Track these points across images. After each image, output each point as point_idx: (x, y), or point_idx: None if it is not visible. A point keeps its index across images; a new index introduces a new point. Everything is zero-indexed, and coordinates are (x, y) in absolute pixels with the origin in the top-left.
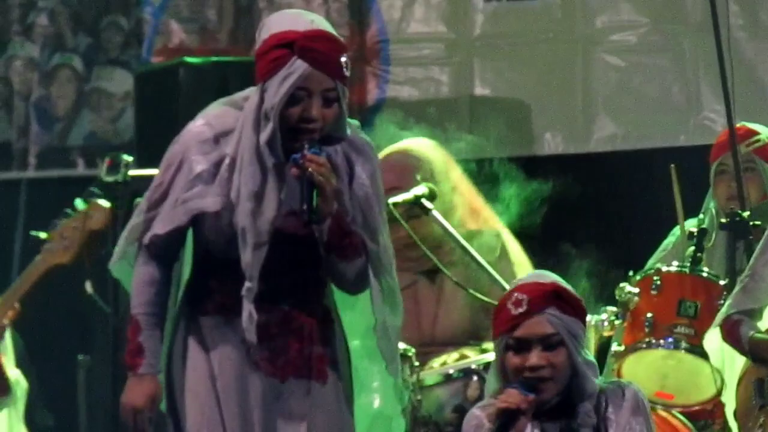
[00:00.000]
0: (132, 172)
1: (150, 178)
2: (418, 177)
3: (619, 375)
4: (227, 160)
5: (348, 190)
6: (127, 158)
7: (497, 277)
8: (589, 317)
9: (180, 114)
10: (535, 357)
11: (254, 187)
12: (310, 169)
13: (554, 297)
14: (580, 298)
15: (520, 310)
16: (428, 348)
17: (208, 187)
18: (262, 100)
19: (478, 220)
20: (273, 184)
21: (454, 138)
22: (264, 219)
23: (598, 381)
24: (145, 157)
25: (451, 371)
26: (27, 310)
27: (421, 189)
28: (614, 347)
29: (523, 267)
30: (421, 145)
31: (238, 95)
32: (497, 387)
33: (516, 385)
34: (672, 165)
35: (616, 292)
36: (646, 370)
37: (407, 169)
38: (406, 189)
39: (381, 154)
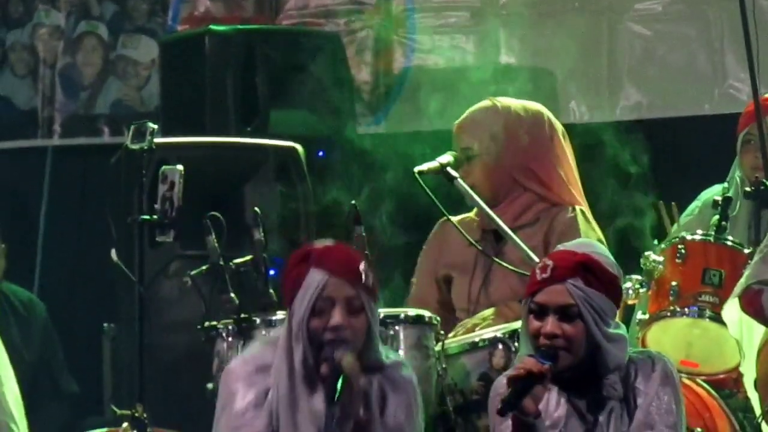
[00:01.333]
0: (157, 140)
1: (175, 145)
2: (483, 142)
3: (643, 343)
4: (271, 392)
5: (378, 419)
6: (153, 126)
7: (525, 248)
8: None
9: (205, 82)
10: (550, 325)
11: (290, 417)
12: (340, 359)
13: (581, 268)
14: (616, 274)
15: (544, 275)
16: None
17: (258, 412)
18: (290, 327)
19: (553, 193)
20: (307, 411)
21: None
22: None
23: (628, 351)
24: (171, 124)
25: (476, 339)
26: (52, 279)
27: (446, 157)
28: (639, 315)
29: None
30: (507, 104)
31: (276, 333)
32: (525, 352)
33: (535, 354)
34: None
35: (642, 260)
36: (671, 338)
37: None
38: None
39: (475, 105)
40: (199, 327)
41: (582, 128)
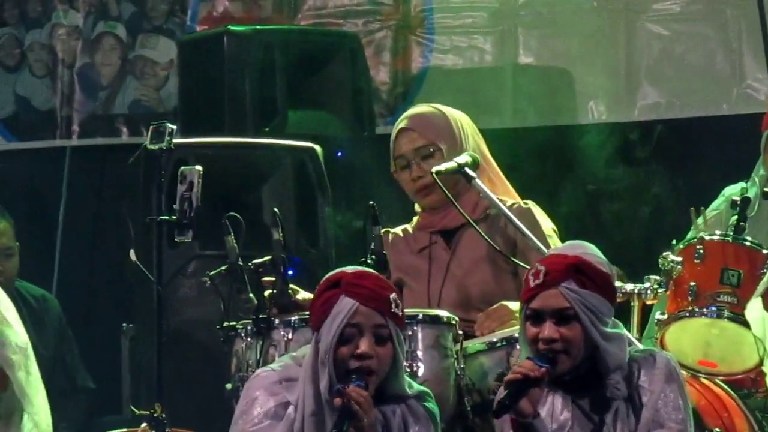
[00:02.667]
0: (176, 140)
1: (194, 146)
2: (443, 140)
3: (662, 343)
4: (291, 408)
5: None
6: (171, 126)
7: (540, 245)
8: (632, 285)
9: (224, 82)
10: (547, 330)
11: None
12: (349, 395)
13: (574, 270)
14: (608, 272)
15: (537, 281)
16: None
17: (275, 423)
18: (317, 351)
19: (507, 193)
20: None
21: (496, 106)
22: None
23: (630, 350)
24: (189, 125)
25: (494, 339)
26: (71, 279)
27: (464, 158)
28: (658, 315)
29: (553, 239)
30: (452, 110)
31: (299, 352)
32: (524, 356)
33: (533, 357)
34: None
35: (660, 260)
36: (689, 338)
37: (436, 127)
38: (433, 146)
39: (411, 111)
40: (217, 327)
41: (600, 128)
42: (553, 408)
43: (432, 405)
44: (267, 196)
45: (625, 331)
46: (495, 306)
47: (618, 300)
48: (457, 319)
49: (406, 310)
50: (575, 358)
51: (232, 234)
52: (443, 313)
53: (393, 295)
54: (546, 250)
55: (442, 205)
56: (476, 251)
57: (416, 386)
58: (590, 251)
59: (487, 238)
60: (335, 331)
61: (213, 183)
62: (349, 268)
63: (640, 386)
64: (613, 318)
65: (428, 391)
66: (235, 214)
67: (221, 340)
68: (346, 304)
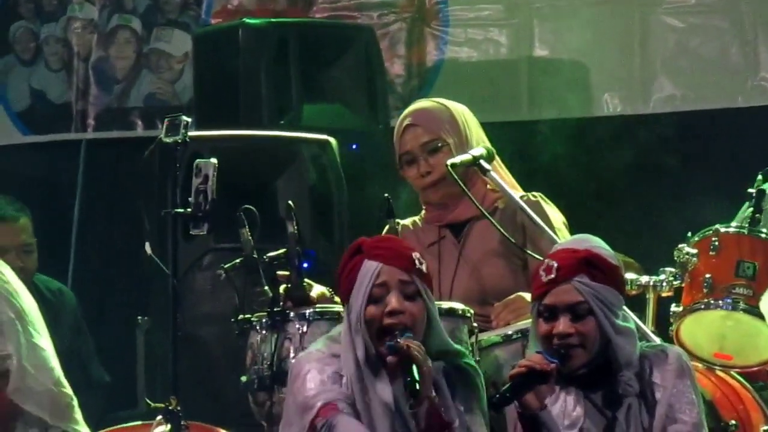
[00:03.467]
0: (191, 133)
1: (209, 139)
2: (449, 134)
3: (677, 335)
4: (344, 379)
5: (452, 405)
6: (187, 119)
7: (555, 237)
8: (647, 278)
9: (239, 75)
10: (562, 325)
11: (363, 408)
12: (407, 345)
13: (585, 264)
14: (617, 264)
15: (550, 276)
16: None
17: (336, 386)
18: (349, 321)
19: (513, 186)
20: (377, 403)
21: (511, 99)
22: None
23: (641, 345)
24: (205, 118)
25: (510, 332)
26: (86, 272)
27: (479, 150)
28: (673, 308)
29: (563, 231)
30: (454, 103)
31: (336, 330)
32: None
33: (542, 352)
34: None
35: (675, 253)
36: (705, 330)
37: (441, 122)
38: (440, 141)
39: (413, 106)
40: (232, 320)
41: (615, 120)
42: (566, 404)
43: (472, 361)
44: (282, 189)
45: (634, 325)
46: (512, 297)
47: (633, 292)
48: (472, 311)
49: None
50: (590, 352)
51: (247, 227)
52: (459, 305)
53: (416, 253)
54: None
55: (450, 200)
56: (486, 244)
57: (454, 344)
58: (598, 243)
59: (501, 229)
60: (364, 293)
61: (228, 176)
62: (369, 238)
63: (652, 382)
64: (623, 309)
65: (464, 350)
66: (250, 207)
67: (236, 333)
68: (370, 267)
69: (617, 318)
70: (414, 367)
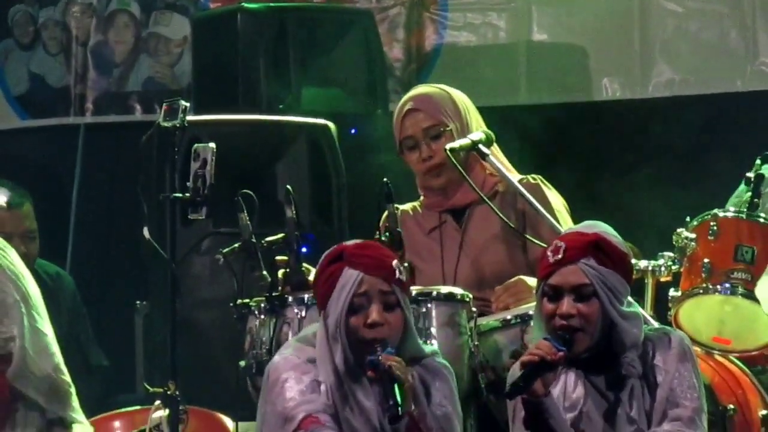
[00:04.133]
0: (190, 118)
1: (208, 123)
2: (450, 119)
3: (676, 320)
4: (323, 386)
5: (428, 411)
6: (185, 103)
7: (555, 223)
8: (646, 262)
9: (237, 59)
10: (566, 305)
11: (344, 416)
12: (388, 364)
13: (593, 247)
14: (625, 251)
15: (557, 257)
16: None
17: (316, 396)
18: (326, 327)
19: (510, 170)
20: (358, 411)
21: (510, 84)
22: None
23: (644, 329)
24: (203, 102)
25: (509, 317)
26: (85, 256)
27: (478, 135)
28: (672, 292)
29: (562, 214)
30: (453, 89)
31: (308, 331)
32: (538, 336)
33: (549, 337)
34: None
35: (674, 237)
36: (703, 315)
37: (443, 107)
38: (442, 126)
39: (414, 91)
40: (230, 305)
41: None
42: (566, 386)
43: (443, 360)
44: (281, 173)
45: (640, 310)
46: (513, 280)
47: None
48: (471, 296)
49: (420, 288)
50: (592, 336)
51: (246, 211)
52: (457, 290)
53: (395, 262)
54: (559, 226)
55: (451, 185)
56: (488, 229)
57: (425, 346)
58: (607, 229)
59: (501, 214)
60: (344, 303)
61: (226, 160)
62: (349, 242)
63: (654, 365)
64: (629, 297)
65: (436, 349)
66: (249, 192)
67: (234, 317)
68: (351, 275)
69: (622, 304)
70: (396, 387)
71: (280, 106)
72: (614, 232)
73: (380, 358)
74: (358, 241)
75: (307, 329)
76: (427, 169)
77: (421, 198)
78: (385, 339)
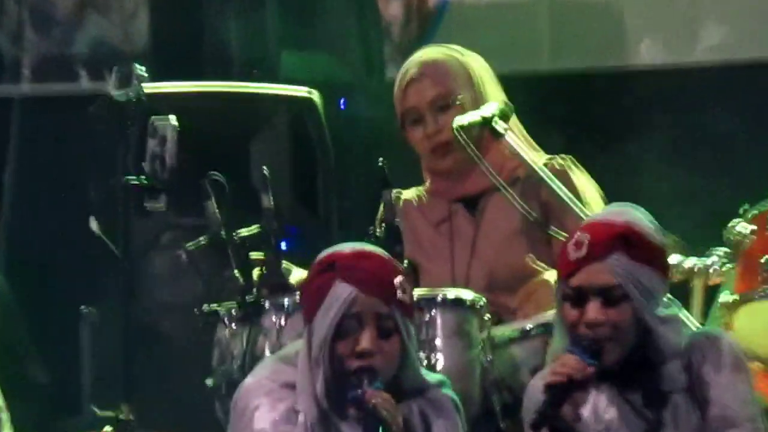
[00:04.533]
0: (146, 87)
1: (168, 94)
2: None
3: (730, 329)
4: (302, 416)
5: None
6: (141, 69)
7: (578, 208)
8: (694, 261)
9: (204, 17)
10: (592, 311)
11: None
12: (373, 402)
13: (623, 240)
14: (662, 242)
15: (580, 253)
16: None
17: (293, 429)
18: (310, 347)
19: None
20: None
21: (530, 47)
22: None
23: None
24: (162, 68)
25: (528, 326)
26: (21, 254)
27: (491, 108)
28: (724, 297)
29: (592, 205)
30: (467, 51)
31: (291, 349)
32: (560, 346)
33: (575, 349)
34: None
35: (725, 231)
36: (762, 324)
37: (453, 75)
38: (451, 97)
39: (420, 55)
40: (196, 311)
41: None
42: (596, 405)
43: (450, 391)
44: (255, 154)
45: (679, 312)
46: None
47: (676, 278)
48: (484, 301)
49: (422, 290)
50: (624, 346)
51: (214, 199)
52: (467, 294)
53: (399, 279)
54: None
55: (461, 168)
56: (507, 222)
57: (431, 375)
58: (638, 216)
59: (522, 204)
60: (330, 324)
61: (190, 138)
62: (347, 247)
63: (702, 377)
64: (667, 296)
65: (444, 378)
66: (217, 176)
67: (201, 326)
68: (342, 292)
69: (659, 305)
70: (381, 430)
71: (254, 72)
72: (648, 218)
73: (366, 394)
74: (356, 246)
75: (289, 346)
76: (433, 148)
77: (427, 183)
78: (375, 370)
